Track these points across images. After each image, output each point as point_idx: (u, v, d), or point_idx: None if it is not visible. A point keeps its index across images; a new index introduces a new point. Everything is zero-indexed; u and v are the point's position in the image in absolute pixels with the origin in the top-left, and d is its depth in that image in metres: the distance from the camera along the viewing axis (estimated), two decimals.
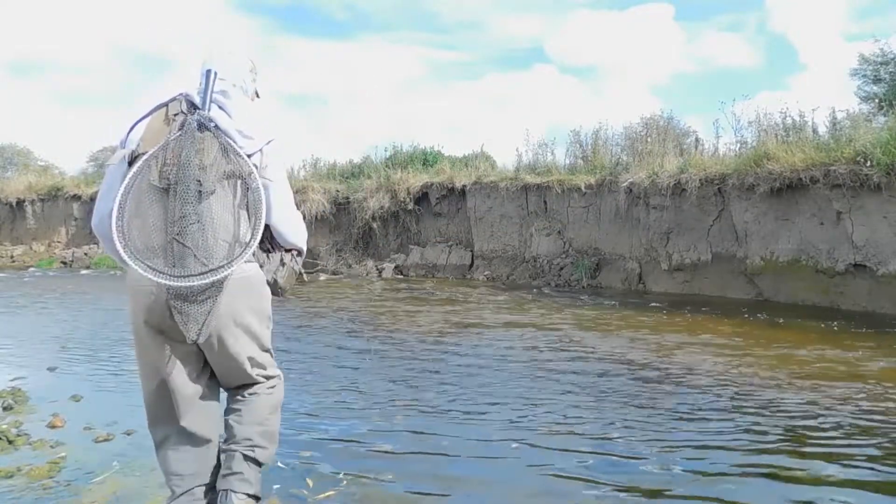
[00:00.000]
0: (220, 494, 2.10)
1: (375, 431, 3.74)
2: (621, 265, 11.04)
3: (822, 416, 3.97)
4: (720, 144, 10.91)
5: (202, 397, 2.13)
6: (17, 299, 9.78)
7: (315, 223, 13.59)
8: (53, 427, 3.74)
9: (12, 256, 16.59)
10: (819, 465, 3.20)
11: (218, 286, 1.93)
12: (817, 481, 3.02)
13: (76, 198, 16.84)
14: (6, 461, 3.19)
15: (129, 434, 3.62)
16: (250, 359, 2.15)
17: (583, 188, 11.38)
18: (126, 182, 1.92)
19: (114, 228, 1.88)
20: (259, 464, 2.18)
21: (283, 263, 2.24)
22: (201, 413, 2.13)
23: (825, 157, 8.15)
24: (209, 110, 2.01)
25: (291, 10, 58.41)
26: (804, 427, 3.77)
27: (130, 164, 1.99)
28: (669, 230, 10.25)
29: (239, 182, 1.98)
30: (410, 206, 13.62)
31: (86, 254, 16.05)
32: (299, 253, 2.31)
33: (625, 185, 10.57)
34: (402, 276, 13.29)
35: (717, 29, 53.90)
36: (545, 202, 12.15)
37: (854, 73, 15.11)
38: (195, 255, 1.87)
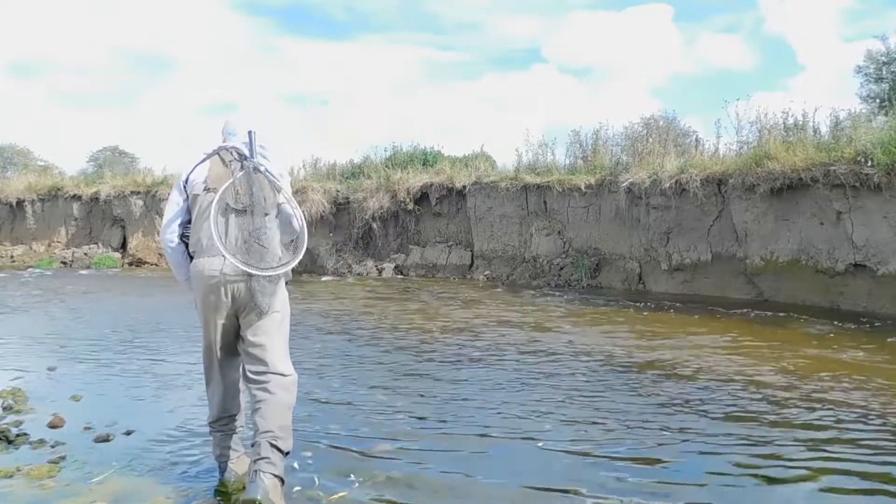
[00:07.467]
0: (252, 474, 2.67)
1: (378, 430, 3.74)
2: (621, 265, 11.04)
3: (823, 414, 3.98)
4: (721, 144, 10.91)
5: (234, 363, 2.97)
6: (16, 299, 9.78)
7: (315, 223, 13.57)
8: (53, 427, 3.74)
9: (12, 256, 16.57)
10: (820, 464, 3.20)
11: (278, 277, 2.81)
12: (817, 480, 3.02)
13: (76, 198, 16.77)
14: (6, 461, 3.19)
15: (129, 434, 3.63)
16: (272, 341, 2.87)
17: (583, 188, 11.37)
18: (214, 206, 2.73)
19: (214, 236, 2.67)
20: (282, 451, 2.72)
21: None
22: (231, 371, 2.98)
23: (825, 157, 8.14)
24: (256, 158, 2.86)
25: (291, 10, 58.47)
26: (804, 426, 3.77)
27: (206, 192, 2.82)
28: (669, 230, 10.25)
29: (280, 207, 2.90)
30: (410, 206, 13.62)
31: (86, 254, 16.04)
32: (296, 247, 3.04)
33: (625, 185, 10.56)
34: (402, 276, 13.29)
35: (714, 30, 53.97)
36: (545, 202, 12.16)
37: (858, 71, 15.15)
38: (271, 254, 2.78)
